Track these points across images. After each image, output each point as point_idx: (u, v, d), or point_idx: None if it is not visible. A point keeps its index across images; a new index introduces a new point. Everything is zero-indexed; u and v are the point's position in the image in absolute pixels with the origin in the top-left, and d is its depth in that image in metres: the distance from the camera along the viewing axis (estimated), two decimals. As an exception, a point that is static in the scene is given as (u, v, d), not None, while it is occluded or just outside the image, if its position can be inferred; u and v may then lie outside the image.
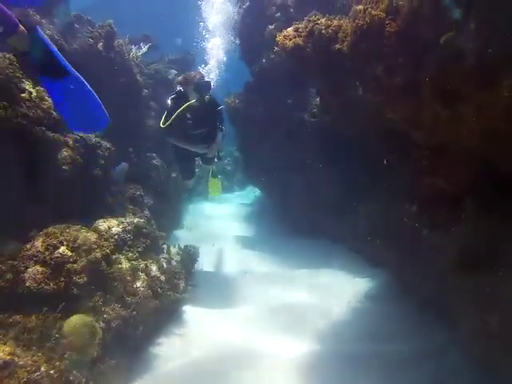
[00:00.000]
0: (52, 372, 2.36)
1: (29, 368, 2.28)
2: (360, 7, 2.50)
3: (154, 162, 6.67)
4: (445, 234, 3.47)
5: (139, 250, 4.45)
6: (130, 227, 4.46)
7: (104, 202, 5.02)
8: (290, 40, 3.06)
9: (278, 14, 5.93)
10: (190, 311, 4.73)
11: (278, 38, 3.26)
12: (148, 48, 6.73)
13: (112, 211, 5.03)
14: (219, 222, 8.40)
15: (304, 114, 5.90)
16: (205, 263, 5.85)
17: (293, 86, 5.47)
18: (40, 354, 2.44)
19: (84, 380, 2.60)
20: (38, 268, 2.93)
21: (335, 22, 2.85)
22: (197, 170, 6.00)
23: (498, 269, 2.80)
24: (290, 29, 3.30)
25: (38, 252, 2.99)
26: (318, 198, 5.95)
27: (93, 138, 4.52)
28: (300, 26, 3.22)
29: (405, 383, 3.43)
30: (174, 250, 5.24)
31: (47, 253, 3.02)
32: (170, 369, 3.67)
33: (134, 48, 6.39)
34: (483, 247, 3.01)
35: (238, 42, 6.98)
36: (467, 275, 2.97)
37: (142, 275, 4.17)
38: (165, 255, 4.89)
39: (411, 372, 3.53)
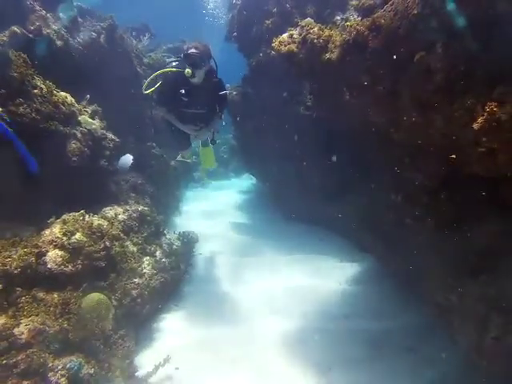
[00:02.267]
0: (77, 340, 2.78)
1: (57, 337, 2.69)
2: (348, 23, 2.83)
3: (154, 151, 6.99)
4: (423, 224, 3.88)
5: (144, 235, 4.85)
6: (135, 215, 4.85)
7: (109, 190, 5.38)
8: (285, 46, 3.37)
9: (275, 9, 6.15)
10: (189, 291, 5.18)
11: (273, 44, 3.57)
12: (148, 39, 6.91)
13: (116, 199, 5.39)
14: (216, 209, 8.78)
15: (299, 107, 6.21)
16: (203, 248, 6.28)
17: (288, 80, 5.75)
18: (65, 325, 2.85)
19: (102, 347, 3.03)
20: (58, 252, 3.31)
21: (326, 32, 3.17)
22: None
23: (465, 255, 3.24)
24: (284, 35, 3.60)
25: (56, 238, 3.37)
26: (311, 187, 6.35)
27: (99, 130, 4.82)
28: (294, 32, 3.54)
29: (389, 354, 3.90)
30: (174, 236, 5.66)
31: (65, 238, 3.40)
32: (171, 343, 4.12)
33: (134, 41, 6.59)
34: (453, 235, 3.43)
35: (235, 34, 7.18)
36: (439, 262, 3.42)
37: (148, 258, 4.59)
38: (166, 240, 5.29)
39: (395, 344, 4.02)
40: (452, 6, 2.06)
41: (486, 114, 1.80)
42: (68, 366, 2.58)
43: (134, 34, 6.50)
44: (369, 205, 5.59)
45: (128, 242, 4.42)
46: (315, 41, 3.12)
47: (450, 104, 2.26)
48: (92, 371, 2.73)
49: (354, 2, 5.99)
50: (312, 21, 3.69)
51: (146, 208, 5.12)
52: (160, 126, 4.69)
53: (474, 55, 2.10)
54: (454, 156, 2.55)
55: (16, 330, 2.46)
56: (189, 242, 5.88)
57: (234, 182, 11.81)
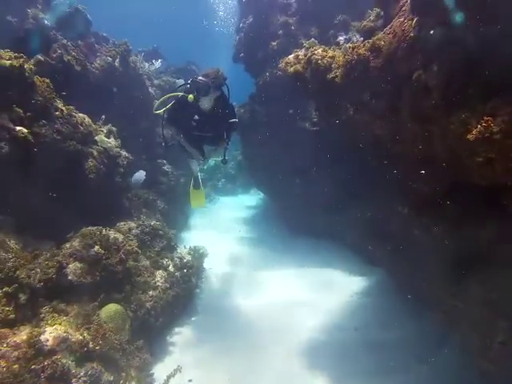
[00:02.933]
0: (97, 348, 2.91)
1: (80, 345, 2.83)
2: (350, 45, 3.06)
3: (165, 168, 7.24)
4: (430, 234, 3.99)
5: (156, 249, 5.02)
6: (147, 229, 5.04)
7: (122, 205, 5.59)
8: (291, 66, 3.62)
9: (280, 31, 6.49)
10: (201, 304, 5.30)
11: (280, 65, 3.82)
12: (160, 63, 7.29)
13: (129, 214, 5.61)
14: (225, 224, 8.94)
15: (305, 123, 6.45)
16: (212, 262, 6.41)
17: (294, 98, 6.00)
18: (86, 335, 2.99)
19: (120, 356, 3.15)
20: (78, 264, 3.49)
21: (330, 53, 3.40)
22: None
23: (470, 264, 3.33)
24: (290, 56, 3.86)
25: (76, 250, 3.55)
26: (318, 201, 6.49)
27: (114, 148, 5.08)
28: (299, 53, 3.79)
29: (399, 366, 3.94)
30: (185, 250, 5.81)
31: (84, 251, 3.58)
32: (185, 355, 4.21)
33: (147, 64, 6.96)
34: (459, 244, 3.54)
35: (242, 55, 7.53)
36: (444, 269, 3.52)
37: (160, 272, 4.74)
38: (178, 254, 5.45)
39: (405, 356, 4.06)
40: (460, 18, 2.19)
41: (479, 126, 1.98)
42: (89, 372, 2.71)
43: (143, 55, 6.83)
44: (375, 217, 5.71)
45: (141, 256, 4.59)
46: (319, 61, 3.36)
47: (447, 118, 2.43)
48: (111, 378, 2.85)
49: (355, 24, 6.33)
50: (316, 42, 3.94)
51: (157, 223, 5.31)
52: (171, 141, 4.63)
53: (467, 72, 2.28)
54: (455, 167, 2.71)
55: (42, 337, 2.62)
56: (199, 256, 6.02)
57: (241, 198, 11.98)
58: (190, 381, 3.85)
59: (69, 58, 5.03)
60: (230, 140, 4.36)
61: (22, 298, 3.09)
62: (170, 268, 4.94)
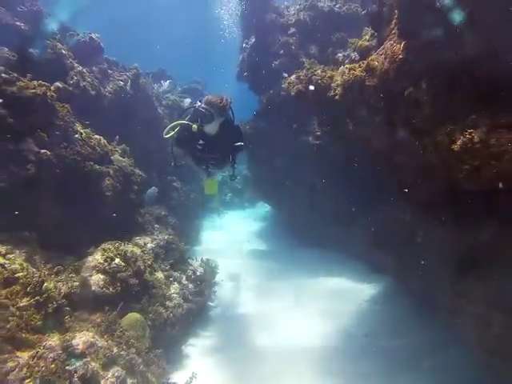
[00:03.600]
0: (122, 353, 3.16)
1: (106, 351, 3.08)
2: (346, 67, 3.39)
3: (175, 184, 7.57)
4: (431, 238, 4.22)
5: (170, 262, 5.30)
6: (161, 243, 5.33)
7: (136, 221, 5.90)
8: (294, 86, 3.95)
9: (282, 51, 6.89)
10: (213, 315, 5.52)
11: (283, 85, 4.16)
12: (168, 84, 7.73)
13: (143, 229, 5.90)
14: (234, 237, 9.20)
15: (308, 137, 6.76)
16: (223, 274, 6.64)
17: (297, 114, 6.34)
18: (110, 341, 3.24)
19: (140, 362, 3.39)
20: (100, 276, 3.78)
21: (328, 73, 3.74)
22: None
23: (472, 263, 3.55)
24: (293, 77, 4.21)
25: (99, 263, 3.84)
26: (323, 212, 6.75)
27: (128, 167, 5.43)
28: (301, 74, 4.13)
29: (407, 370, 4.11)
30: (197, 263, 6.07)
31: (106, 264, 3.87)
32: (199, 364, 4.41)
33: (155, 86, 7.40)
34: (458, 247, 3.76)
35: (245, 74, 7.95)
36: (446, 269, 3.73)
37: (175, 284, 5.00)
38: (191, 267, 5.71)
39: (413, 360, 4.23)
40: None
41: (462, 137, 2.25)
42: (116, 374, 2.94)
43: (151, 76, 7.26)
44: (380, 226, 5.94)
45: (157, 269, 4.85)
46: (319, 81, 3.69)
47: (437, 130, 2.72)
48: (135, 381, 3.08)
49: (353, 40, 6.71)
50: (316, 62, 4.29)
51: (171, 237, 5.60)
52: (180, 161, 4.67)
53: (452, 88, 2.58)
54: (448, 175, 2.97)
55: (74, 342, 2.87)
56: (210, 268, 6.27)
57: (248, 212, 12.26)
58: (205, 388, 4.04)
59: (84, 83, 5.44)
60: (236, 162, 4.48)
61: (50, 307, 3.36)
62: (184, 281, 5.20)
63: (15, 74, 4.05)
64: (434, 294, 4.37)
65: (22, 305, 3.16)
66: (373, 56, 3.33)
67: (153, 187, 5.85)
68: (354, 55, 6.26)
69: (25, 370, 2.59)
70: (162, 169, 7.46)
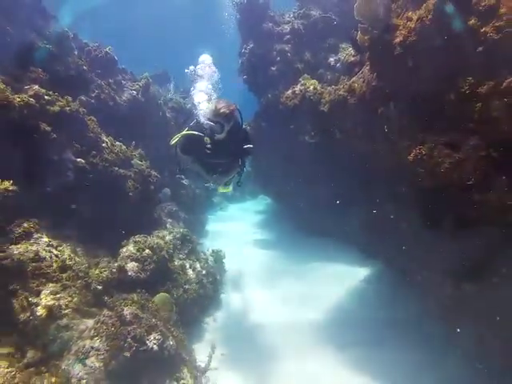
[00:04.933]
0: (158, 323, 4.10)
1: (147, 321, 4.01)
2: (333, 87, 4.26)
3: (184, 182, 8.47)
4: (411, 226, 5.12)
5: (185, 252, 6.22)
6: (178, 235, 6.25)
7: (154, 216, 6.81)
8: (290, 100, 4.82)
9: (278, 58, 7.71)
10: (225, 297, 6.48)
11: (281, 99, 5.03)
12: (173, 88, 8.58)
13: (159, 224, 6.82)
14: (237, 228, 10.14)
15: (304, 136, 7.62)
16: (230, 262, 7.58)
17: (294, 116, 7.18)
18: (148, 314, 4.17)
19: (173, 329, 4.34)
20: (134, 264, 4.70)
21: (319, 90, 4.61)
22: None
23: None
24: (289, 92, 5.08)
25: (132, 253, 4.77)
26: (320, 204, 7.67)
27: (146, 169, 6.31)
28: (296, 89, 5.01)
29: (394, 336, 5.04)
30: (208, 252, 7.02)
31: (138, 253, 4.80)
32: (216, 337, 5.36)
33: (163, 93, 8.23)
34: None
35: (245, 77, 8.77)
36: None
37: (191, 270, 5.93)
38: (203, 256, 6.64)
39: (398, 329, 5.17)
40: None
41: (415, 150, 3.15)
42: (156, 337, 3.87)
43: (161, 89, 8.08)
44: (372, 217, 6.85)
45: (176, 257, 5.78)
46: (311, 97, 4.57)
47: (400, 142, 3.62)
48: (172, 343, 4.03)
49: (343, 46, 7.52)
50: (309, 78, 5.15)
51: (185, 230, 6.52)
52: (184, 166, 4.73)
53: (412, 112, 3.47)
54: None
55: (124, 313, 3.79)
56: (219, 257, 7.24)
57: (250, 204, 13.18)
58: (222, 354, 5.00)
59: (104, 95, 6.28)
60: (245, 166, 4.52)
61: (98, 288, 4.29)
62: (198, 268, 6.13)
63: (55, 95, 4.89)
64: (412, 271, 5.32)
65: (78, 285, 4.09)
66: (354, 78, 4.21)
67: (165, 188, 6.74)
68: (345, 59, 6.98)
69: (93, 331, 3.52)
70: (172, 168, 8.33)
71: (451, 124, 2.96)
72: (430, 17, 2.81)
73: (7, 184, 3.34)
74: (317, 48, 7.83)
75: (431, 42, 2.84)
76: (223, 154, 4.23)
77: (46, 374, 2.89)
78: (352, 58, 5.33)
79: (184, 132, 4.17)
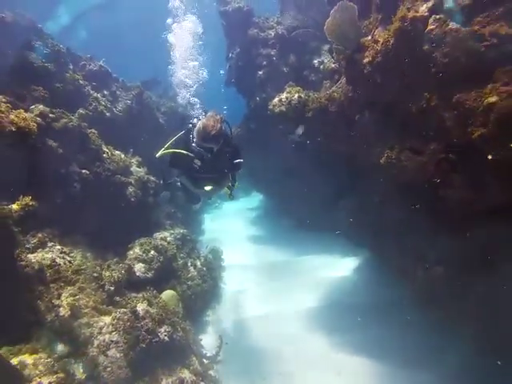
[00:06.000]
0: (168, 317, 4.60)
1: (157, 315, 4.51)
2: (316, 95, 4.76)
3: (178, 184, 8.89)
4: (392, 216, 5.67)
5: (186, 251, 6.71)
6: (178, 236, 6.74)
7: (152, 219, 7.26)
8: (278, 108, 5.31)
9: (264, 62, 8.15)
10: (224, 291, 7.00)
11: (269, 107, 5.51)
12: (169, 97, 8.98)
13: (159, 225, 7.28)
14: (232, 225, 10.65)
15: (292, 135, 8.10)
16: (228, 258, 8.10)
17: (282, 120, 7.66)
18: (157, 309, 4.67)
19: (180, 322, 4.84)
20: (141, 265, 5.19)
21: (303, 97, 5.11)
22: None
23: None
24: (276, 99, 5.56)
25: (139, 255, 5.25)
26: (310, 200, 8.20)
27: (145, 175, 6.75)
28: (282, 96, 5.49)
29: (377, 319, 5.61)
30: (206, 250, 7.53)
31: (144, 255, 5.28)
32: (217, 330, 5.89)
33: (155, 99, 8.63)
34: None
35: (233, 80, 9.21)
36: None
37: (192, 268, 6.43)
38: (202, 254, 7.14)
39: (383, 313, 5.73)
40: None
41: (386, 154, 3.68)
42: (167, 329, 4.38)
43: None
44: (359, 208, 7.39)
45: (178, 256, 6.27)
46: (297, 105, 5.06)
47: (375, 146, 4.14)
48: (180, 334, 4.54)
49: (326, 47, 7.99)
50: (293, 85, 5.64)
51: (185, 230, 7.00)
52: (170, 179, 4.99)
53: (383, 120, 3.99)
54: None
55: (137, 309, 4.29)
56: (217, 255, 7.77)
57: (244, 201, 13.67)
58: (226, 343, 5.53)
59: (101, 108, 6.70)
60: (236, 181, 4.50)
61: (111, 289, 4.77)
62: (199, 265, 6.63)
63: (60, 112, 5.30)
64: (393, 259, 5.89)
65: (92, 287, 4.56)
66: (334, 88, 4.71)
67: (164, 191, 7.18)
68: (328, 59, 7.42)
69: (111, 326, 4.01)
70: (167, 171, 8.76)
71: (414, 132, 3.49)
72: (392, 41, 3.31)
73: (27, 200, 3.77)
74: (301, 51, 8.30)
75: (394, 63, 3.35)
76: (212, 170, 4.14)
77: (79, 362, 3.38)
78: (332, 65, 5.84)
79: (172, 150, 4.13)
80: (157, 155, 4.33)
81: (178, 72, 6.15)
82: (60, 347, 3.45)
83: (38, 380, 2.83)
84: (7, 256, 3.55)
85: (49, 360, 3.04)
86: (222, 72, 9.50)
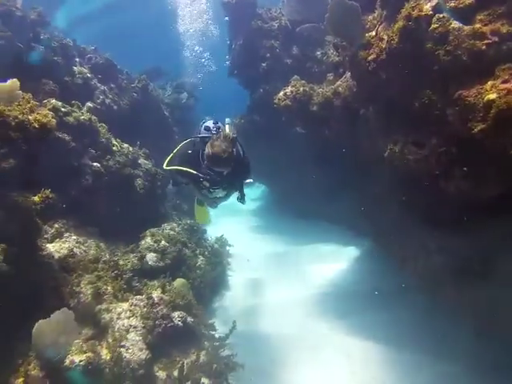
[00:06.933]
0: (180, 303, 4.85)
1: (171, 302, 4.76)
2: (321, 90, 4.93)
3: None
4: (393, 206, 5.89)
5: (194, 241, 6.94)
6: (186, 226, 6.96)
7: (160, 210, 7.48)
8: (283, 101, 5.48)
9: (268, 54, 8.27)
10: (231, 279, 7.27)
11: (275, 101, 5.68)
12: (173, 88, 9.11)
13: (166, 216, 7.51)
14: (235, 216, 10.88)
15: (296, 128, 8.28)
16: (233, 247, 8.35)
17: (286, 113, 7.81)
18: (170, 296, 4.91)
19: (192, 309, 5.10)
20: (153, 254, 5.42)
21: (308, 91, 5.28)
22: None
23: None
24: (281, 93, 5.72)
25: (150, 245, 5.48)
26: (313, 190, 8.42)
27: (152, 167, 6.94)
28: (287, 90, 5.65)
29: (383, 304, 5.87)
30: (213, 240, 7.78)
31: (155, 245, 5.51)
32: (226, 315, 6.15)
33: (161, 92, 8.76)
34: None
35: (236, 72, 9.32)
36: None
37: (201, 257, 6.67)
38: (209, 243, 7.38)
39: (387, 298, 6.00)
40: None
41: (389, 148, 3.88)
42: (180, 315, 4.64)
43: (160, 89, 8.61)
44: (361, 199, 7.62)
45: (187, 246, 6.51)
46: (302, 98, 5.24)
47: (378, 140, 4.34)
48: (193, 320, 4.80)
49: (329, 38, 8.11)
50: (298, 79, 5.80)
51: (191, 221, 7.22)
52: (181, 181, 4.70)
53: (387, 115, 4.18)
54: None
55: (152, 296, 4.54)
56: (223, 243, 8.02)
57: (246, 191, 13.86)
58: (234, 328, 5.80)
59: (108, 101, 6.85)
60: (244, 196, 4.45)
61: (126, 276, 5.01)
62: (207, 254, 6.88)
63: (70, 107, 5.46)
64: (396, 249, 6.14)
65: (109, 275, 4.81)
66: (338, 82, 4.89)
67: (171, 184, 7.39)
68: (331, 52, 7.53)
69: (128, 312, 4.27)
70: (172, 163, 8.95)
71: (417, 126, 3.68)
72: (396, 40, 3.48)
73: (47, 192, 3.96)
74: (304, 43, 8.42)
75: (398, 61, 3.53)
76: (221, 187, 4.10)
77: (102, 344, 3.64)
78: (337, 59, 5.98)
79: (180, 168, 3.95)
80: (164, 166, 4.23)
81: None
82: (85, 330, 3.71)
83: (71, 358, 3.09)
84: (32, 245, 3.77)
85: (77, 341, 3.29)
86: (227, 62, 9.60)
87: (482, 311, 4.16)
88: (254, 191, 13.55)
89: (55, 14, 7.37)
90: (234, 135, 3.65)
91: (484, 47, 3.10)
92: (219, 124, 4.14)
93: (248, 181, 4.23)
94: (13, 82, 3.02)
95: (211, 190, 4.14)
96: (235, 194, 4.58)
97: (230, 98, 8.98)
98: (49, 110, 5.13)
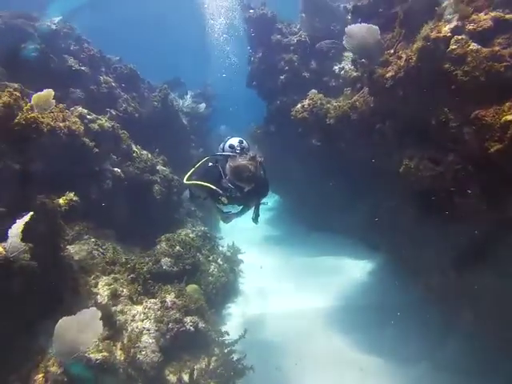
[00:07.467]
0: (193, 308, 4.94)
1: (183, 306, 4.85)
2: (337, 104, 5.03)
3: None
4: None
5: (207, 247, 7.05)
6: (200, 233, 7.09)
7: (175, 216, 7.64)
8: (300, 114, 5.59)
9: (286, 67, 8.43)
10: (243, 287, 7.32)
11: (292, 113, 5.80)
12: (190, 97, 9.36)
13: (181, 222, 7.65)
14: (247, 225, 10.87)
15: (311, 140, 8.37)
16: (245, 256, 8.41)
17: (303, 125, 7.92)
18: (183, 301, 5.01)
19: (205, 315, 5.18)
20: (167, 259, 5.54)
21: (325, 105, 5.37)
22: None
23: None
24: (299, 106, 5.84)
25: (165, 250, 5.61)
26: (326, 202, 8.45)
27: (169, 174, 7.12)
28: (305, 103, 5.77)
29: (395, 319, 5.83)
30: (225, 248, 7.87)
31: (170, 250, 5.63)
32: (236, 322, 6.21)
33: (181, 101, 9.02)
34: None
35: (254, 83, 9.51)
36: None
37: (213, 263, 6.77)
38: (221, 250, 7.48)
39: (399, 313, 5.95)
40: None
41: (404, 164, 3.93)
42: (192, 319, 4.72)
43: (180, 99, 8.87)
44: (374, 212, 7.61)
45: (200, 252, 6.62)
46: (319, 112, 5.33)
47: (394, 155, 4.39)
48: (204, 325, 4.88)
49: (347, 54, 8.22)
50: (316, 93, 5.91)
51: (206, 228, 7.35)
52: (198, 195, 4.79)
53: (403, 131, 4.23)
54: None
55: (166, 299, 4.64)
56: (235, 251, 8.09)
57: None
58: (243, 337, 5.84)
59: (130, 109, 7.09)
60: (259, 214, 4.49)
61: (141, 280, 5.14)
62: (219, 261, 6.97)
63: (95, 115, 5.70)
64: (409, 261, 6.11)
65: (125, 278, 4.94)
66: (355, 97, 4.97)
67: (187, 190, 7.54)
68: (349, 67, 7.64)
69: (142, 315, 4.38)
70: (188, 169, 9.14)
71: (433, 143, 3.73)
72: (414, 59, 3.56)
73: (71, 195, 4.14)
74: (322, 57, 8.55)
75: (416, 79, 3.60)
76: (237, 201, 4.09)
77: (117, 345, 3.75)
78: (354, 74, 6.08)
79: (201, 183, 3.95)
80: (184, 181, 4.25)
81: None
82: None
83: (88, 356, 3.20)
84: (55, 246, 3.93)
85: (94, 340, 3.41)
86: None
87: (497, 330, 4.12)
88: (269, 201, 13.62)
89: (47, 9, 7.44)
90: (261, 159, 3.70)
91: (502, 69, 3.15)
92: (244, 144, 4.16)
93: (263, 201, 4.32)
94: (48, 92, 3.22)
95: (227, 205, 4.14)
96: (248, 213, 4.60)
97: (241, 108, 9.11)
98: (76, 117, 5.38)
